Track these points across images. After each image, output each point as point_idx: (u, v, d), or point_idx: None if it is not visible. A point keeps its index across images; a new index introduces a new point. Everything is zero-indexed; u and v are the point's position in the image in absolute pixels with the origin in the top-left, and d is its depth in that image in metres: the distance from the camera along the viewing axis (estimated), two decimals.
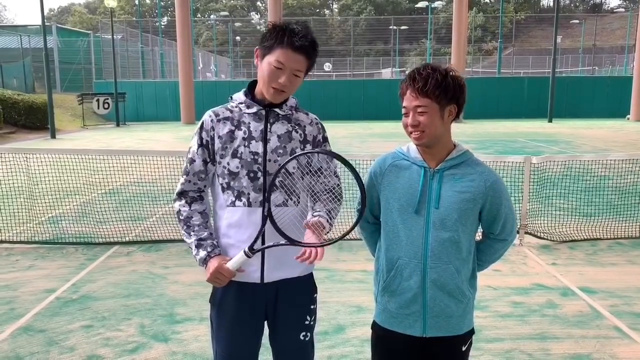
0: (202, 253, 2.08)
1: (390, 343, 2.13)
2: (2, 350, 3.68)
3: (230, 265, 2.03)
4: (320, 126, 2.21)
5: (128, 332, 3.94)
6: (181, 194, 2.17)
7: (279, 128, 2.11)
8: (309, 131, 2.16)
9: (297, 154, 2.05)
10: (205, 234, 2.12)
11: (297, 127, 2.14)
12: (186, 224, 2.14)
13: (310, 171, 2.13)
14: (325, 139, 2.23)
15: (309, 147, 2.15)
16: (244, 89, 2.17)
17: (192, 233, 2.12)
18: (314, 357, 2.35)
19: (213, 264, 2.05)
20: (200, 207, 2.16)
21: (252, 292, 2.14)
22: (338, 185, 2.21)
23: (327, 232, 2.08)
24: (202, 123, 2.14)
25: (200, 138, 2.13)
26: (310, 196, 2.17)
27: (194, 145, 2.14)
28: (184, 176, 2.17)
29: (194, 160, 2.14)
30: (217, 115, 2.13)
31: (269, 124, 2.10)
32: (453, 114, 2.01)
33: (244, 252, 2.00)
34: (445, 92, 1.95)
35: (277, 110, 2.12)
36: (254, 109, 2.11)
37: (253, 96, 2.14)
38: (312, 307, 2.27)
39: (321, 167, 2.18)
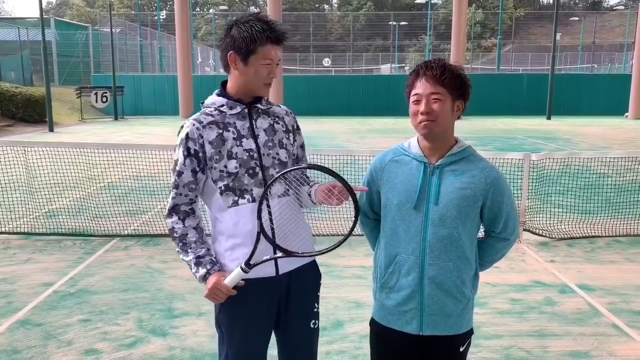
0: (202, 271, 2.08)
1: (388, 340, 2.12)
2: (0, 344, 3.67)
3: (228, 281, 2.04)
4: (293, 115, 2.32)
5: (126, 327, 3.93)
6: (173, 209, 2.14)
7: (263, 123, 2.16)
8: (287, 121, 2.25)
9: (288, 169, 2.07)
10: (203, 251, 2.12)
11: (277, 119, 2.21)
12: (182, 241, 2.12)
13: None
14: (298, 127, 2.32)
15: (290, 137, 2.24)
16: (217, 92, 2.17)
17: (189, 251, 2.11)
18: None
19: (212, 280, 2.06)
20: (194, 222, 2.15)
21: (267, 287, 2.14)
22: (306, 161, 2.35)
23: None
24: (187, 134, 2.10)
25: (187, 149, 2.10)
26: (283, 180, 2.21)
27: (180, 158, 2.11)
28: (174, 190, 2.13)
29: (182, 173, 2.11)
30: (200, 122, 2.10)
31: (253, 121, 2.14)
32: (460, 110, 2.01)
33: (241, 267, 2.01)
34: (459, 85, 1.96)
35: (258, 106, 2.16)
36: (238, 109, 2.12)
37: (230, 96, 2.14)
38: (318, 294, 2.32)
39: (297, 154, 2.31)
